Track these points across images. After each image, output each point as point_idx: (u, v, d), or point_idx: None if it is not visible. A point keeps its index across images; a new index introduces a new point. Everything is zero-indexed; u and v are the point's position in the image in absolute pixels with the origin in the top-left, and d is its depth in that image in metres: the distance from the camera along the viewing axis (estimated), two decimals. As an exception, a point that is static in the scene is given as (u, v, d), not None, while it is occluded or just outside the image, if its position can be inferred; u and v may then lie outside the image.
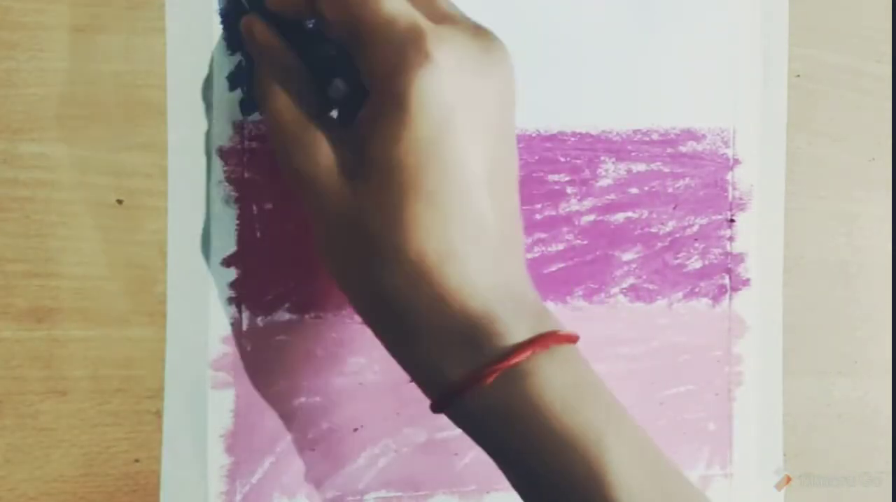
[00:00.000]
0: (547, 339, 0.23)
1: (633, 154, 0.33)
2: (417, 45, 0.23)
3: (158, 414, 0.29)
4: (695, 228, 0.34)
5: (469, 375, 0.23)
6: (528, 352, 0.23)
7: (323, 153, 0.25)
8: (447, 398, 0.24)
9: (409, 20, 0.23)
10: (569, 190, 0.33)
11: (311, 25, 0.28)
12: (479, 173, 0.24)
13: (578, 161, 0.33)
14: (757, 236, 0.35)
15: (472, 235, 0.24)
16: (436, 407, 0.25)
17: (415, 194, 0.23)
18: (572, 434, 0.23)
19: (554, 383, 0.23)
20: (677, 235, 0.34)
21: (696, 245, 0.34)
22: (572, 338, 0.24)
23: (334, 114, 0.28)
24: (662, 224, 0.34)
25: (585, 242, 0.33)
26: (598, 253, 0.33)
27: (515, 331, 0.23)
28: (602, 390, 0.24)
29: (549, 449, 0.23)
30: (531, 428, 0.23)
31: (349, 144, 0.25)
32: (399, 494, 0.32)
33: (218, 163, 0.29)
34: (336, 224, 0.25)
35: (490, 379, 0.23)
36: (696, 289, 0.34)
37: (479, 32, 0.24)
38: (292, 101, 0.26)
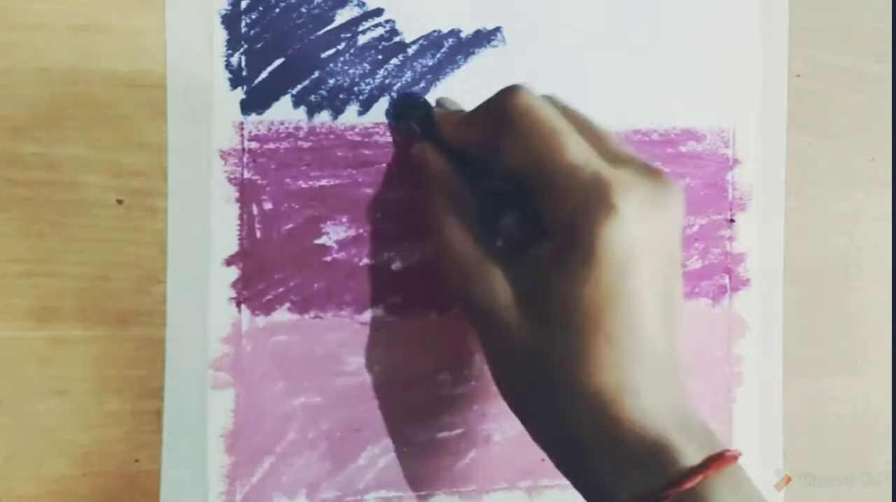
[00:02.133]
0: (718, 462, 0.24)
1: (632, 154, 0.33)
2: (602, 196, 0.24)
3: (158, 414, 0.29)
4: (695, 228, 0.34)
5: (643, 500, 0.24)
6: (701, 476, 0.23)
7: (499, 287, 0.26)
8: None
9: (593, 169, 0.24)
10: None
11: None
12: (653, 308, 0.25)
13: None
14: (757, 236, 0.35)
15: (647, 367, 0.24)
16: None
17: (596, 332, 0.24)
18: None
19: None
20: (677, 235, 0.34)
21: (696, 245, 0.34)
22: (737, 457, 0.24)
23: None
24: (662, 224, 0.34)
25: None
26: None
27: (687, 454, 0.24)
28: None
29: None
30: None
31: (522, 278, 0.26)
32: (399, 494, 0.32)
33: (218, 163, 0.29)
34: (513, 354, 0.26)
35: None
36: (696, 289, 0.34)
37: (652, 172, 0.25)
38: (465, 231, 0.27)
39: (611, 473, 0.24)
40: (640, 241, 0.24)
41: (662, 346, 0.25)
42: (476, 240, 0.27)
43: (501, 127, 0.26)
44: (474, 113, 0.28)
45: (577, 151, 0.25)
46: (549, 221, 0.25)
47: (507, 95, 0.26)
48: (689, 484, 0.23)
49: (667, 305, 0.25)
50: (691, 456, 0.24)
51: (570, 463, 0.26)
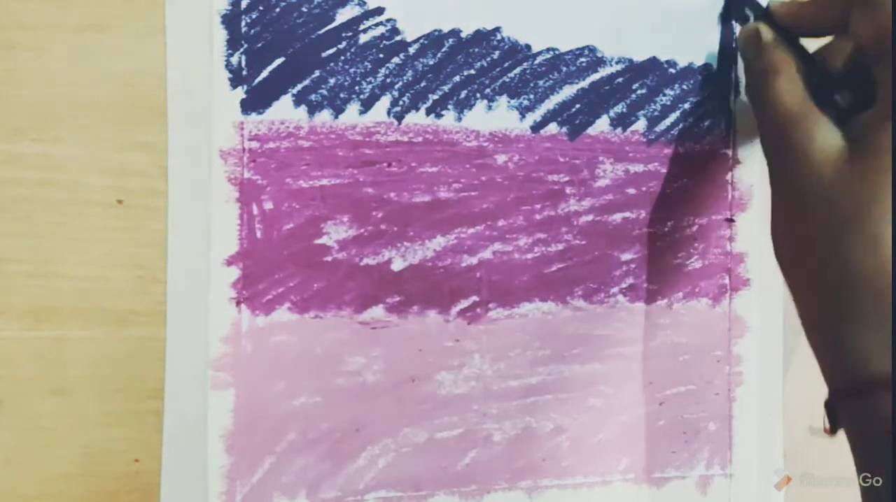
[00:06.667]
0: None
1: (630, 155, 0.33)
2: None
3: (158, 414, 0.29)
4: (695, 228, 0.34)
5: (891, 375, 0.24)
6: None
7: (824, 136, 0.27)
8: (860, 386, 0.25)
9: None
10: (568, 190, 0.33)
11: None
12: None
13: (577, 161, 0.33)
14: (757, 236, 0.35)
15: None
16: (837, 395, 0.26)
17: None
18: None
19: None
20: (677, 235, 0.34)
21: (696, 245, 0.34)
22: None
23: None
24: (662, 224, 0.34)
25: (584, 242, 0.33)
26: (597, 253, 0.33)
27: None
28: None
29: None
30: None
31: (848, 135, 0.27)
32: (399, 494, 0.32)
33: (218, 163, 0.29)
34: (817, 199, 0.27)
35: None
36: (696, 289, 0.34)
37: None
38: (797, 85, 0.29)
39: (869, 338, 0.25)
40: None
41: None
42: (805, 96, 0.28)
43: (854, 2, 0.28)
44: None
45: None
46: (883, 88, 0.27)
47: None
48: None
49: None
50: None
51: (828, 317, 0.27)
